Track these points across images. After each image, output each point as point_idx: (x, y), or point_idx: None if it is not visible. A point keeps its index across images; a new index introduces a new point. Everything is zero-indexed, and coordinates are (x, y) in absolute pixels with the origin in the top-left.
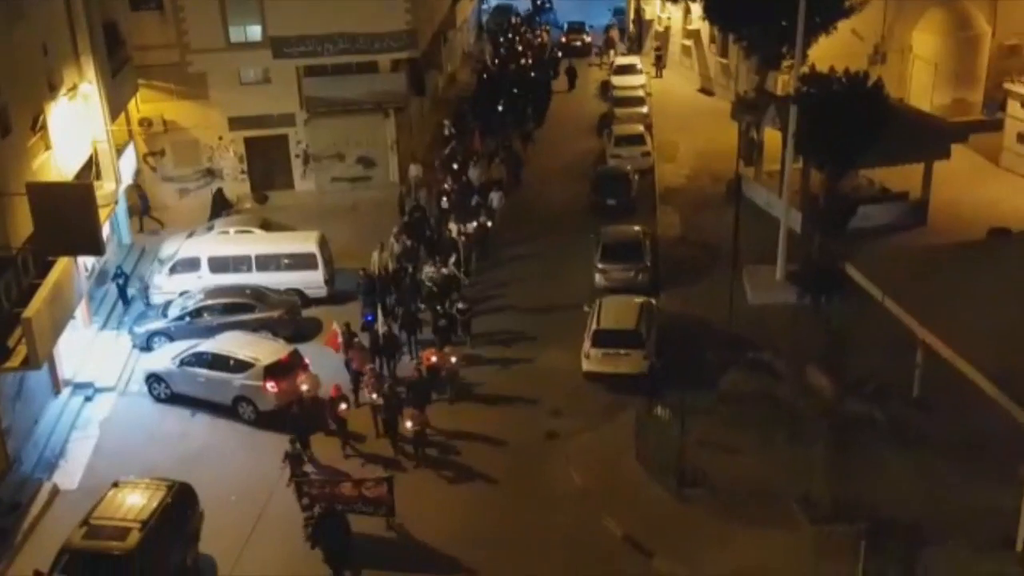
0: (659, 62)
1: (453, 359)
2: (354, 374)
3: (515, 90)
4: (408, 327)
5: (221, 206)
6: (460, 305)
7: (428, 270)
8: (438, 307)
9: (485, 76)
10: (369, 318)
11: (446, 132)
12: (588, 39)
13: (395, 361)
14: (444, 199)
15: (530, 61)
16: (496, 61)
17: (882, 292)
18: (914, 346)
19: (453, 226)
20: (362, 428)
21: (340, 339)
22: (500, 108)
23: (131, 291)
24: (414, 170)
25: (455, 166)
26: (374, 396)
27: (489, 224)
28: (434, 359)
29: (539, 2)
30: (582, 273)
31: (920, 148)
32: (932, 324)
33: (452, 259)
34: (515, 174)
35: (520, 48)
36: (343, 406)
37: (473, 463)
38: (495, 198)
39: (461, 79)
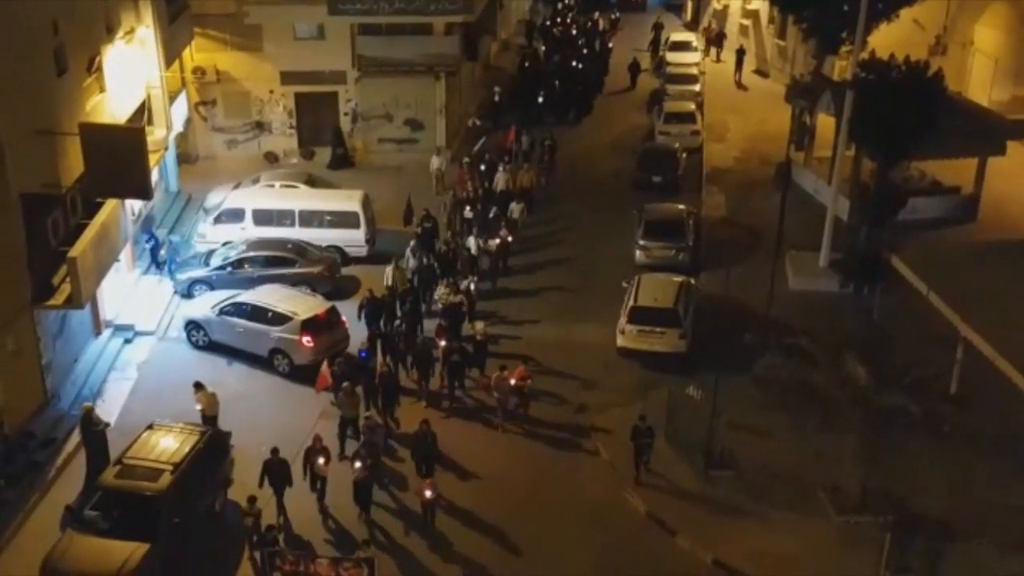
0: (719, 43)
1: (530, 380)
2: (341, 420)
3: (558, 83)
4: (422, 365)
5: (336, 143)
6: (479, 337)
7: (441, 291)
8: (449, 341)
9: (527, 64)
10: (363, 354)
11: (470, 123)
12: None
13: (393, 408)
14: (467, 208)
15: (583, 50)
16: (543, 48)
17: (927, 286)
18: (955, 342)
19: (472, 241)
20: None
21: (329, 378)
22: (540, 100)
23: (161, 253)
24: (436, 162)
25: (483, 167)
26: (357, 464)
27: (510, 239)
28: (513, 381)
29: None
30: (623, 249)
31: (975, 143)
32: (975, 321)
33: (469, 281)
34: (546, 177)
35: (574, 32)
36: (321, 460)
37: (501, 442)
38: (516, 210)
39: (514, 44)
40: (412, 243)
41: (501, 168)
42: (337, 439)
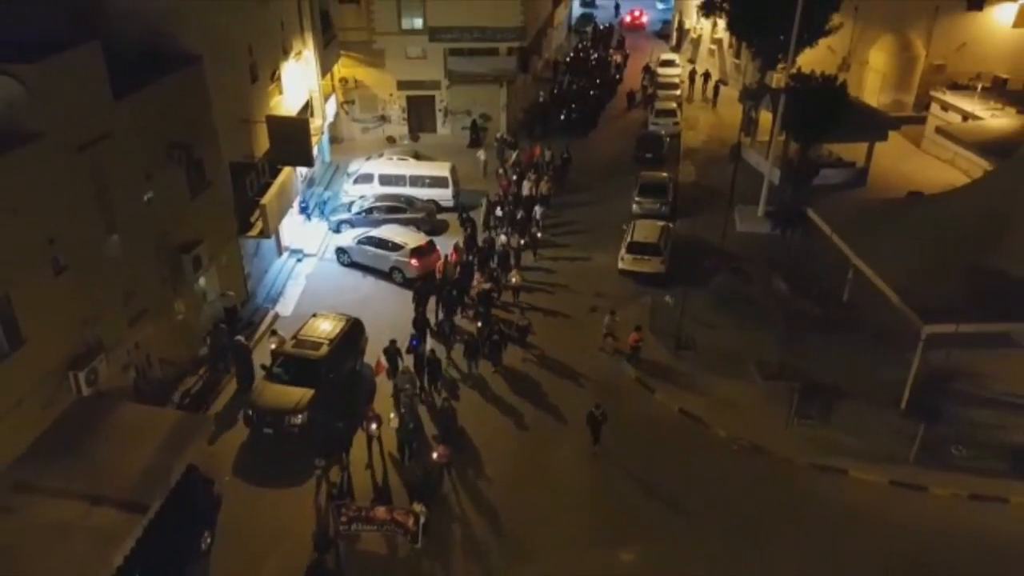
0: (716, 91)
1: (640, 341)
2: (395, 390)
3: (574, 106)
4: (469, 349)
5: (475, 132)
6: (521, 322)
7: (477, 279)
8: (484, 322)
9: (555, 91)
10: (415, 343)
11: (498, 137)
12: (645, 19)
13: (436, 385)
14: (499, 208)
15: (596, 80)
16: (566, 79)
17: (830, 229)
18: (847, 267)
19: (504, 237)
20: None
21: (385, 364)
22: (563, 117)
23: (311, 209)
24: (481, 155)
25: (515, 176)
26: (392, 416)
27: (540, 235)
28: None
29: (614, 18)
30: (624, 203)
31: (867, 132)
32: (861, 253)
33: (512, 273)
34: (558, 185)
35: (594, 62)
36: (374, 426)
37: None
38: (539, 211)
39: (550, 68)
40: (455, 242)
41: (528, 175)
42: (393, 406)
